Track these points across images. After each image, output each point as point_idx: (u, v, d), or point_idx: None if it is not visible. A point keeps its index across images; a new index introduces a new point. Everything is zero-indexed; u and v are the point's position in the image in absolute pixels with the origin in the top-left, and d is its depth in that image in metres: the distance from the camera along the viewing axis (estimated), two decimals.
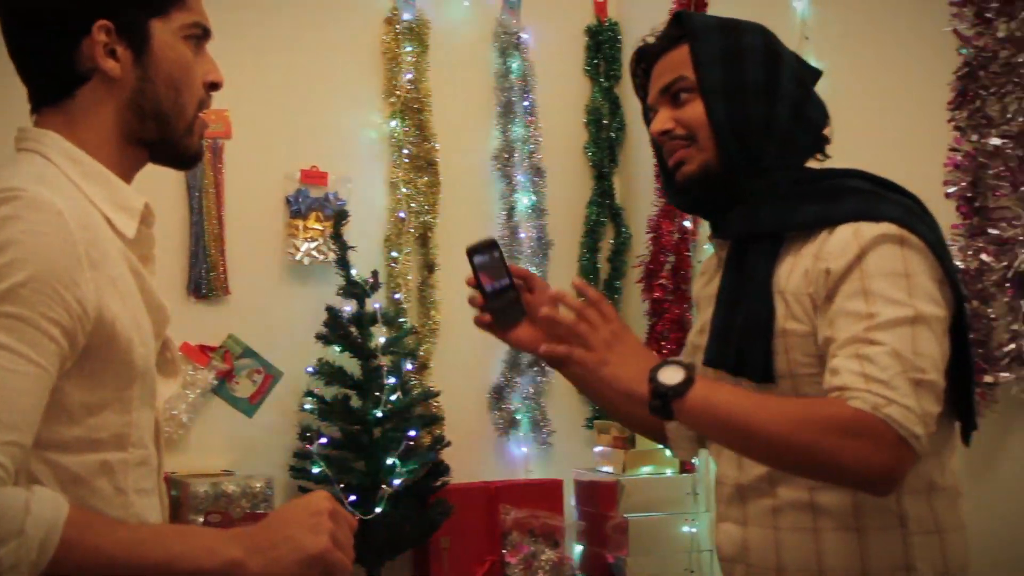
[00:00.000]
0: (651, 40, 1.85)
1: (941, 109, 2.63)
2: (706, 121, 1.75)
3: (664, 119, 1.79)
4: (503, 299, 1.90)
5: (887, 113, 2.95)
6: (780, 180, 1.74)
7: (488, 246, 1.91)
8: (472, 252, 1.91)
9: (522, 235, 3.95)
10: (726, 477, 1.78)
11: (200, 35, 1.48)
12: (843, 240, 1.63)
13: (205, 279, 3.54)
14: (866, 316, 1.57)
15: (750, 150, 1.74)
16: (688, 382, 1.59)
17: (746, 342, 1.70)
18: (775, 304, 1.68)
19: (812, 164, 1.83)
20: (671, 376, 1.59)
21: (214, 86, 1.49)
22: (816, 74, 1.87)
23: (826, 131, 1.83)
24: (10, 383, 1.21)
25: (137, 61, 1.42)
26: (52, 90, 1.42)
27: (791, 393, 1.67)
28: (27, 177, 1.32)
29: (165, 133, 1.45)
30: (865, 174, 1.78)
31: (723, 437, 1.66)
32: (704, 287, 1.92)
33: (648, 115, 1.86)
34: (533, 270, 3.94)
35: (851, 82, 3.07)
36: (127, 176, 1.46)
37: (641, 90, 1.89)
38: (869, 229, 1.63)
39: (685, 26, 1.80)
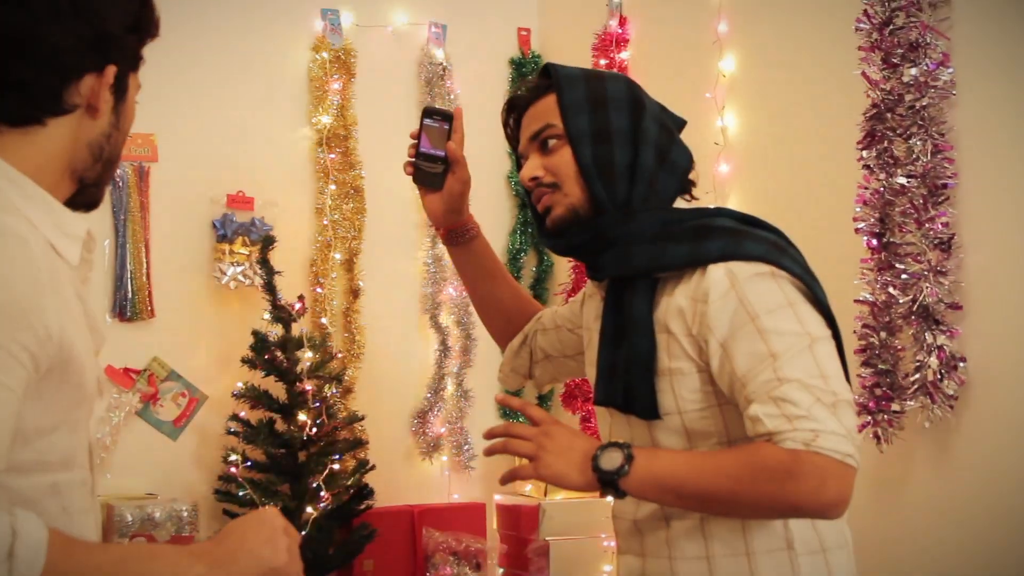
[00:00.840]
0: (521, 91, 1.93)
1: (852, 149, 2.76)
2: (574, 166, 1.81)
3: (533, 166, 1.85)
4: (431, 164, 2.06)
5: (803, 152, 3.08)
6: (648, 221, 1.79)
7: (443, 115, 2.07)
8: (427, 112, 2.07)
9: (446, 262, 4.01)
10: (623, 512, 1.84)
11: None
12: (717, 281, 1.68)
13: (130, 301, 3.54)
14: (768, 356, 1.62)
15: (616, 192, 1.79)
16: (628, 460, 1.63)
17: (631, 380, 1.76)
18: (657, 341, 1.74)
19: (680, 204, 1.89)
20: (611, 460, 1.64)
21: None
22: (680, 123, 1.92)
23: (692, 175, 1.89)
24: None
25: (114, 108, 1.47)
26: (24, 115, 1.41)
27: (680, 428, 1.75)
28: None
29: (103, 178, 1.50)
30: (730, 212, 1.85)
31: (675, 503, 1.69)
32: (590, 318, 1.97)
33: (520, 163, 1.93)
34: (454, 293, 4.02)
35: (770, 125, 3.21)
36: None
37: (513, 140, 1.95)
38: (740, 269, 1.68)
39: (552, 77, 1.86)
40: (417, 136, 2.06)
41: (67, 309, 1.35)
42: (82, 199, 1.50)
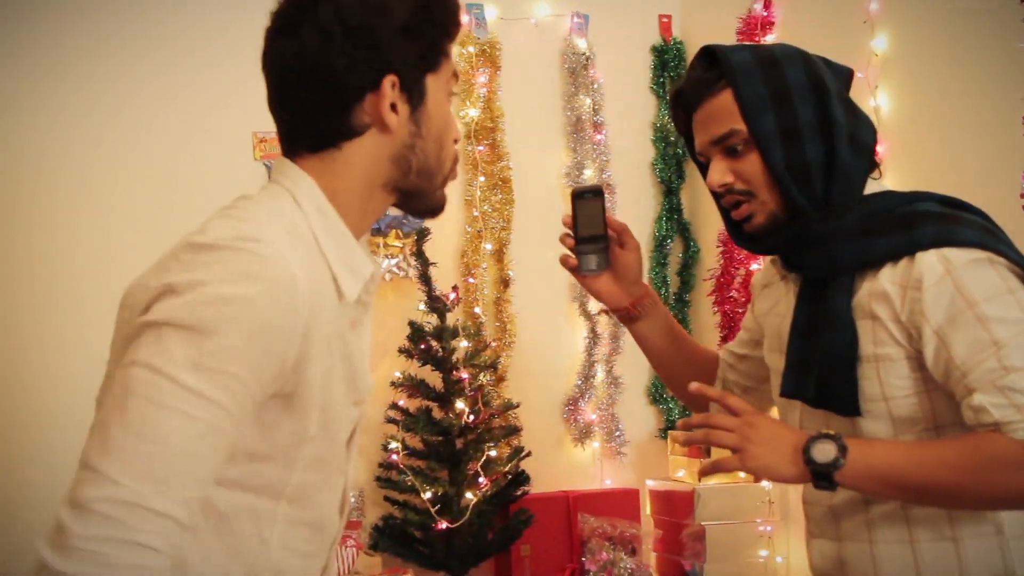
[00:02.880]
0: (689, 84, 1.79)
1: (1017, 125, 2.70)
2: (765, 172, 1.72)
3: (721, 172, 1.76)
4: (593, 247, 1.94)
5: (962, 131, 3.01)
6: (851, 217, 1.72)
7: (593, 192, 1.94)
8: (576, 194, 1.95)
9: None
10: (818, 499, 1.79)
11: (455, 86, 1.50)
12: (931, 268, 1.62)
13: None
14: (991, 344, 1.56)
15: (815, 193, 1.72)
16: (843, 452, 1.59)
17: (827, 374, 1.70)
18: (858, 332, 1.68)
19: (870, 184, 1.80)
20: (824, 453, 1.60)
21: (456, 141, 1.51)
22: (848, 74, 1.81)
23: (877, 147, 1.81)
24: (214, 442, 1.23)
25: (411, 116, 1.42)
26: (320, 141, 1.41)
27: (885, 414, 1.68)
28: (273, 225, 1.32)
29: (424, 186, 1.46)
30: (933, 195, 1.76)
31: (891, 495, 1.65)
32: (774, 304, 1.91)
33: (695, 155, 1.84)
34: None
35: (927, 104, 3.15)
36: (368, 226, 1.48)
37: (683, 127, 1.85)
38: (956, 256, 1.62)
39: (723, 67, 1.73)
40: (572, 222, 1.94)
41: (320, 349, 1.33)
42: (414, 208, 1.50)
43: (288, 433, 1.34)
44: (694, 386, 1.78)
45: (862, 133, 1.76)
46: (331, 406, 1.37)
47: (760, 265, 3.77)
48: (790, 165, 1.71)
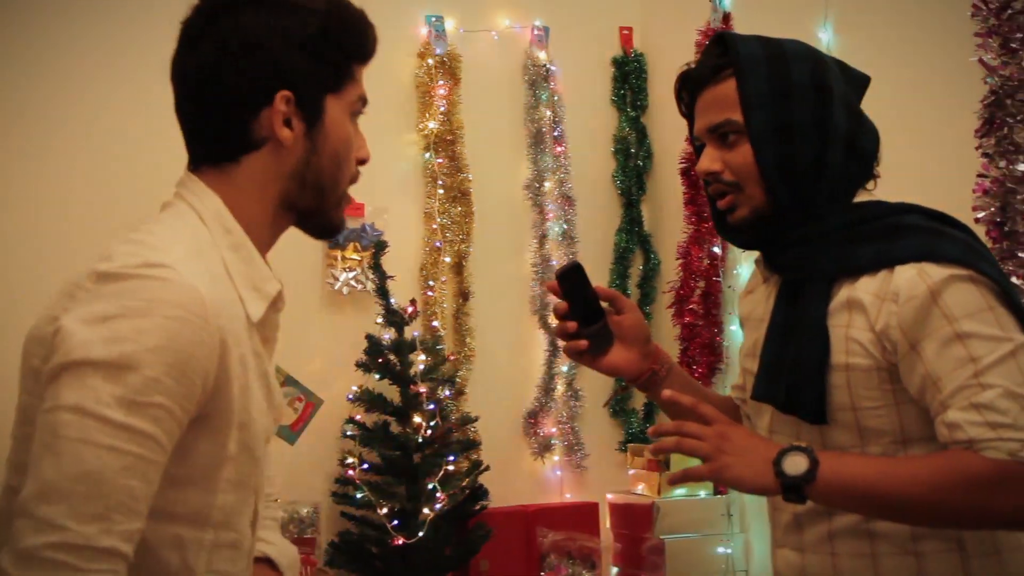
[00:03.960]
0: (698, 67, 1.79)
1: (970, 136, 2.70)
2: (755, 166, 1.71)
3: (711, 159, 1.75)
4: (594, 324, 1.84)
5: (916, 140, 3.02)
6: (834, 222, 1.70)
7: (574, 269, 1.84)
8: (561, 277, 1.83)
9: (553, 262, 4.03)
10: (783, 505, 1.75)
11: (361, 109, 1.52)
12: (910, 281, 1.60)
13: None
14: (969, 361, 1.55)
15: (801, 194, 1.71)
16: (814, 465, 1.57)
17: (797, 379, 1.68)
18: (831, 340, 1.66)
19: (861, 194, 1.79)
20: (796, 465, 1.57)
21: (362, 162, 1.52)
22: (864, 81, 1.80)
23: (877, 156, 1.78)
24: (149, 475, 1.24)
25: (308, 134, 1.44)
26: (220, 154, 1.44)
27: (852, 425, 1.66)
28: (177, 247, 1.33)
29: (320, 204, 1.48)
30: (920, 208, 1.73)
31: (861, 511, 1.63)
32: (753, 308, 1.89)
33: (694, 139, 1.82)
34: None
35: (881, 111, 3.15)
36: (272, 240, 1.49)
37: (686, 108, 1.84)
38: (936, 271, 1.59)
39: (731, 54, 1.74)
40: (566, 309, 1.83)
41: (234, 368, 1.33)
42: (310, 228, 1.51)
43: (206, 454, 1.34)
44: (667, 393, 1.76)
45: (863, 141, 1.74)
46: (249, 424, 1.38)
47: (722, 278, 3.77)
48: (780, 163, 1.70)
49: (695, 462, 1.65)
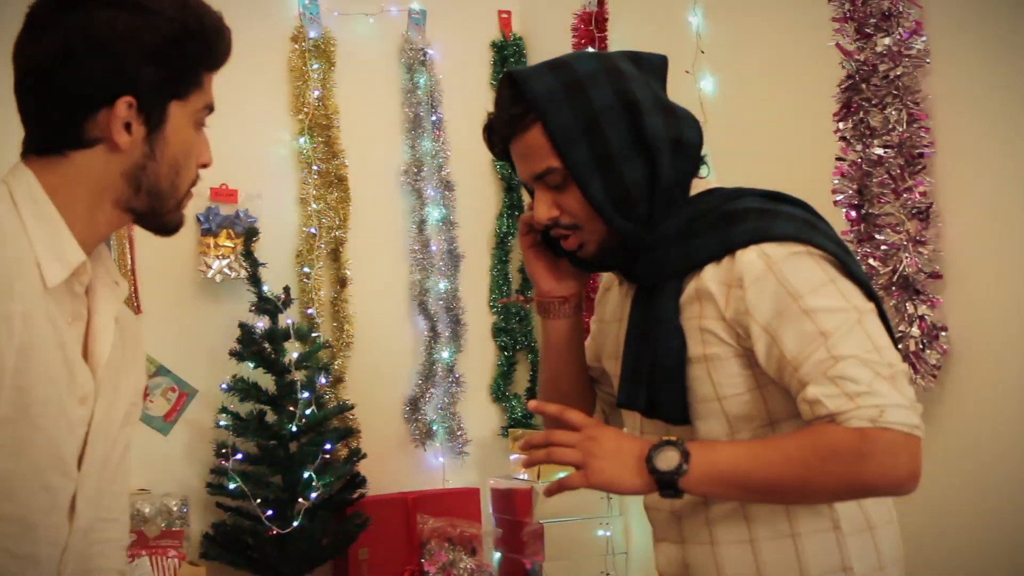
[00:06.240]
0: (498, 118, 1.72)
1: (828, 120, 2.74)
2: (587, 204, 1.68)
3: (547, 205, 1.71)
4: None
5: (778, 124, 3.06)
6: (673, 224, 1.70)
7: None
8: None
9: (433, 248, 4.01)
10: (658, 504, 1.76)
11: (204, 119, 1.50)
12: (751, 264, 1.61)
13: None
14: (819, 335, 1.56)
15: (640, 215, 1.69)
16: (686, 457, 1.57)
17: (657, 383, 1.69)
18: (686, 333, 1.67)
19: (697, 183, 1.76)
20: (667, 460, 1.57)
21: (204, 166, 1.51)
22: (661, 63, 1.76)
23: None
24: None
25: (147, 138, 1.42)
26: (48, 145, 1.42)
27: (720, 413, 1.67)
28: None
29: (155, 207, 1.46)
30: (752, 191, 1.74)
31: (738, 497, 1.63)
32: (612, 307, 1.88)
33: (522, 183, 1.79)
34: (444, 284, 4.02)
35: (744, 94, 3.19)
36: (100, 233, 1.46)
37: (501, 154, 1.76)
38: (775, 250, 1.61)
39: (527, 97, 1.67)
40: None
41: (10, 326, 1.32)
42: (148, 227, 1.49)
43: None
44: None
45: (686, 134, 1.72)
46: (31, 389, 1.34)
47: None
48: (610, 194, 1.67)
49: (569, 470, 1.63)
